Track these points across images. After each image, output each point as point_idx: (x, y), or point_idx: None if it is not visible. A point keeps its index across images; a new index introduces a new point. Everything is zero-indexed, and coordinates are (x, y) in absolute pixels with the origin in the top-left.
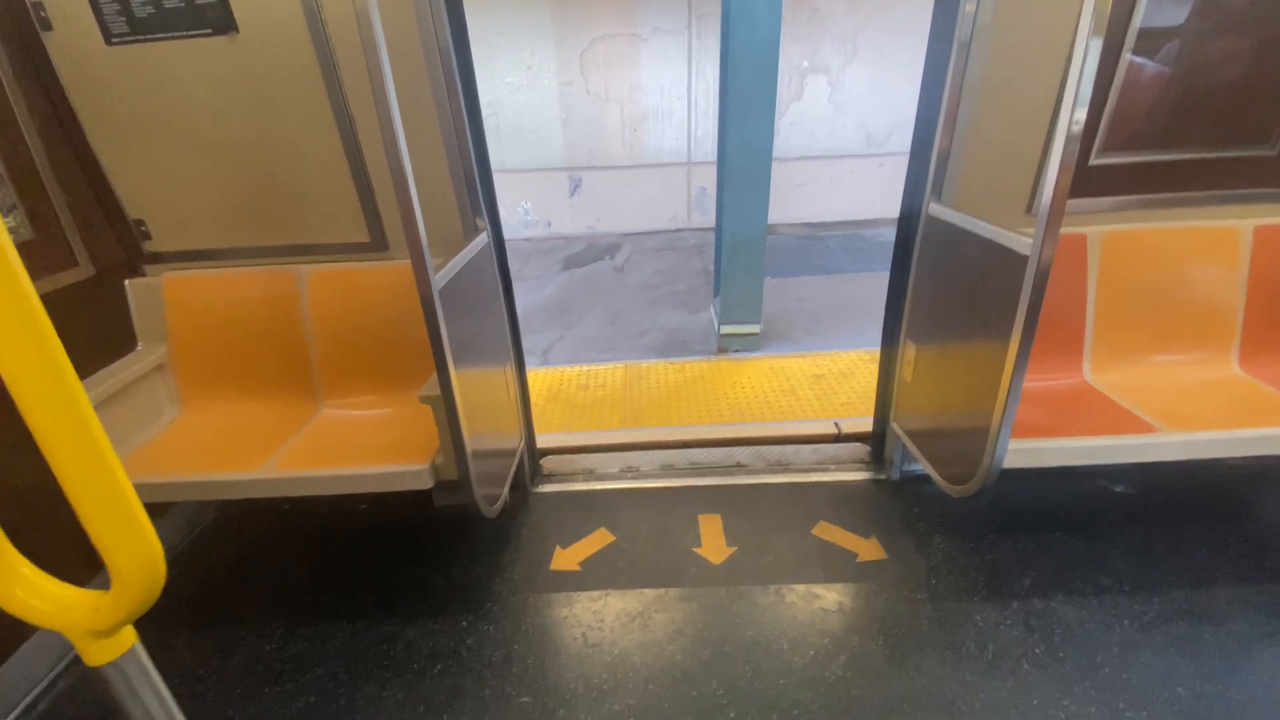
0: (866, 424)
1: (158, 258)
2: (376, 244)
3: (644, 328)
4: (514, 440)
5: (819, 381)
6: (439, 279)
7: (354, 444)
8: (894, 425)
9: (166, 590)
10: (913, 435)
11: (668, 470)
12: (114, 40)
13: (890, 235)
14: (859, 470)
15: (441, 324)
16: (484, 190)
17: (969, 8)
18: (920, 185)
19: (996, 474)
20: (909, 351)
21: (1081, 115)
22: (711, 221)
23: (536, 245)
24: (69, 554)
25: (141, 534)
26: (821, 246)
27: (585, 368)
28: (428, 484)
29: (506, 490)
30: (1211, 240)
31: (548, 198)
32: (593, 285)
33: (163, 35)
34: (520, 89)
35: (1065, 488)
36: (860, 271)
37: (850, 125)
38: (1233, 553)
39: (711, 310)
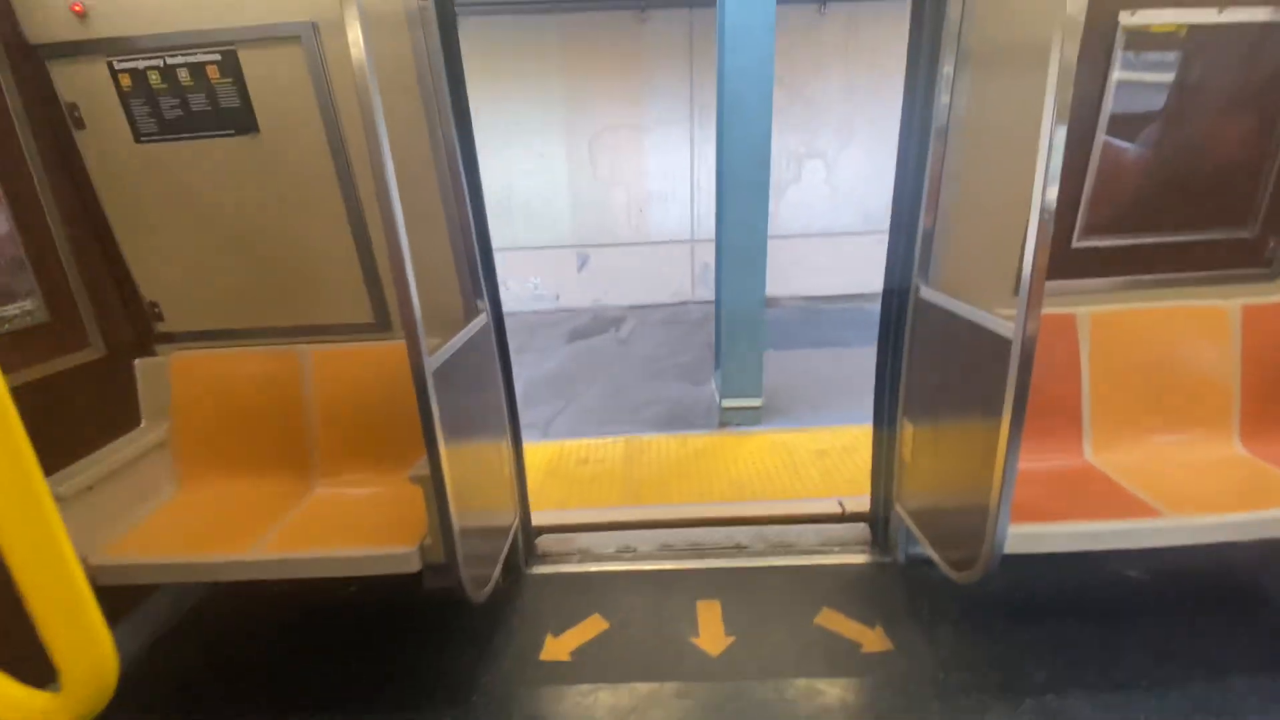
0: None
1: (169, 338)
2: (380, 324)
3: (646, 400)
4: (508, 518)
5: (822, 458)
6: (433, 360)
7: (346, 524)
8: (898, 507)
9: (151, 674)
10: (916, 517)
11: (666, 551)
12: (143, 139)
13: None
14: (863, 552)
15: (434, 404)
16: (485, 272)
17: (944, 99)
18: (904, 265)
19: (998, 560)
20: (907, 431)
21: (1053, 195)
22: (713, 295)
23: (544, 318)
24: (29, 654)
25: (93, 635)
26: (824, 319)
27: (585, 441)
28: (414, 567)
29: (498, 571)
30: (1201, 320)
31: (557, 273)
32: (597, 357)
33: (189, 135)
34: (532, 174)
35: (1077, 573)
36: (862, 345)
37: (847, 205)
38: (1248, 642)
39: (713, 383)
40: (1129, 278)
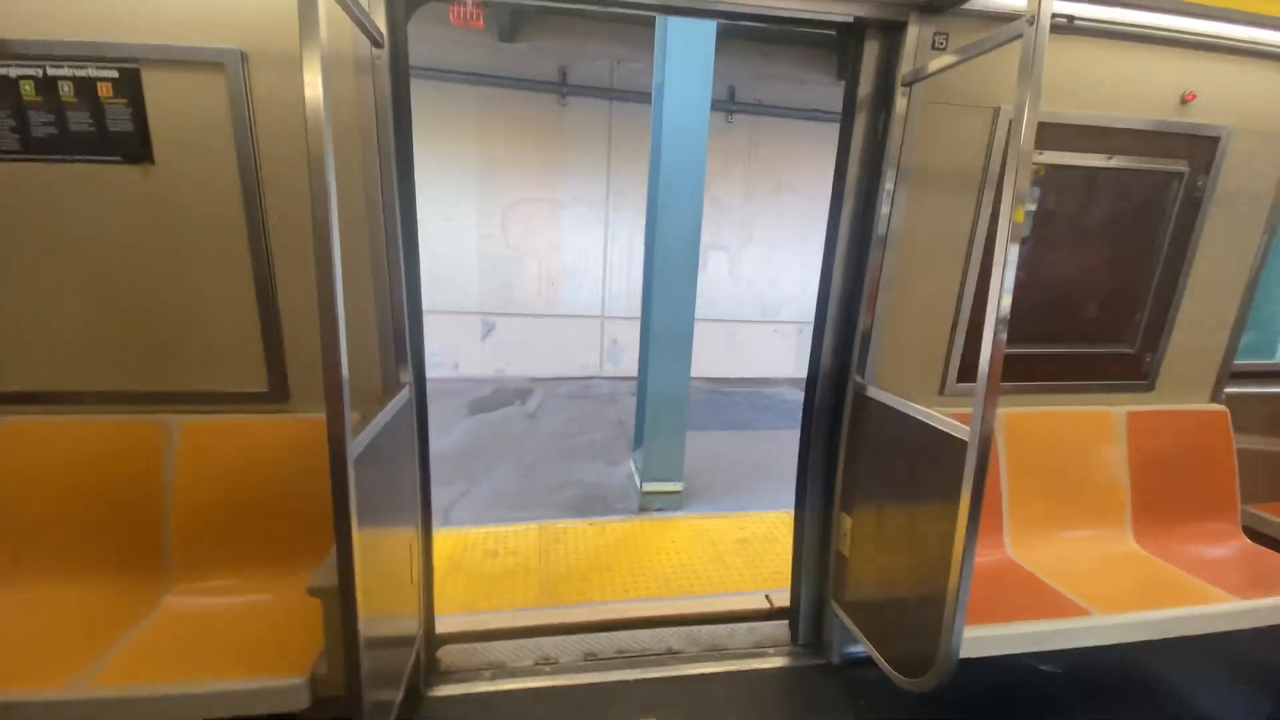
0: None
1: None
2: (275, 394)
3: (560, 481)
4: (412, 626)
5: (745, 546)
6: (356, 444)
7: (207, 644)
8: (834, 605)
9: None
10: (856, 616)
11: (591, 661)
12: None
13: (789, 395)
14: (796, 653)
15: (352, 498)
16: (412, 340)
17: (885, 210)
18: (836, 361)
19: (953, 666)
20: (846, 524)
21: (1008, 305)
22: (622, 371)
23: (441, 386)
24: None
25: None
26: (730, 401)
27: (494, 529)
28: (301, 704)
29: (400, 698)
30: (1093, 424)
31: (457, 339)
32: (503, 433)
33: (61, 158)
34: (437, 235)
35: (994, 667)
36: (769, 429)
37: (748, 296)
38: None
39: (632, 464)
40: (1036, 383)
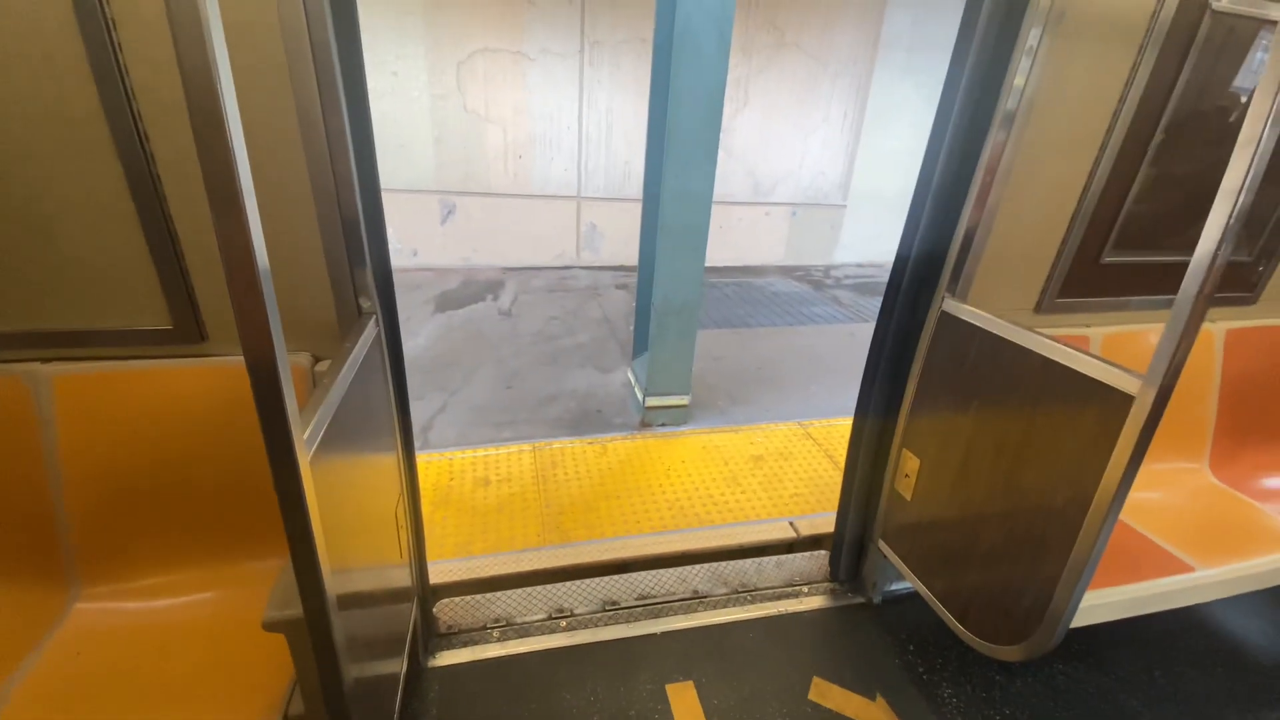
0: (823, 523)
1: None
2: (183, 331)
3: (549, 392)
4: (404, 579)
5: (760, 464)
6: (312, 433)
7: (135, 671)
8: (881, 544)
9: None
10: (913, 563)
11: (612, 611)
12: None
13: (780, 286)
14: (831, 591)
15: (312, 510)
16: (374, 254)
17: (1020, 81)
18: (921, 267)
19: (1061, 637)
20: (908, 463)
21: (1248, 204)
22: (602, 260)
23: (402, 278)
24: None
25: None
26: (719, 294)
27: (483, 452)
28: None
29: (401, 688)
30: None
31: (415, 223)
32: (477, 333)
33: None
34: (384, 97)
35: None
36: (765, 326)
37: (739, 173)
38: (1240, 689)
39: (630, 374)
40: (1137, 297)
